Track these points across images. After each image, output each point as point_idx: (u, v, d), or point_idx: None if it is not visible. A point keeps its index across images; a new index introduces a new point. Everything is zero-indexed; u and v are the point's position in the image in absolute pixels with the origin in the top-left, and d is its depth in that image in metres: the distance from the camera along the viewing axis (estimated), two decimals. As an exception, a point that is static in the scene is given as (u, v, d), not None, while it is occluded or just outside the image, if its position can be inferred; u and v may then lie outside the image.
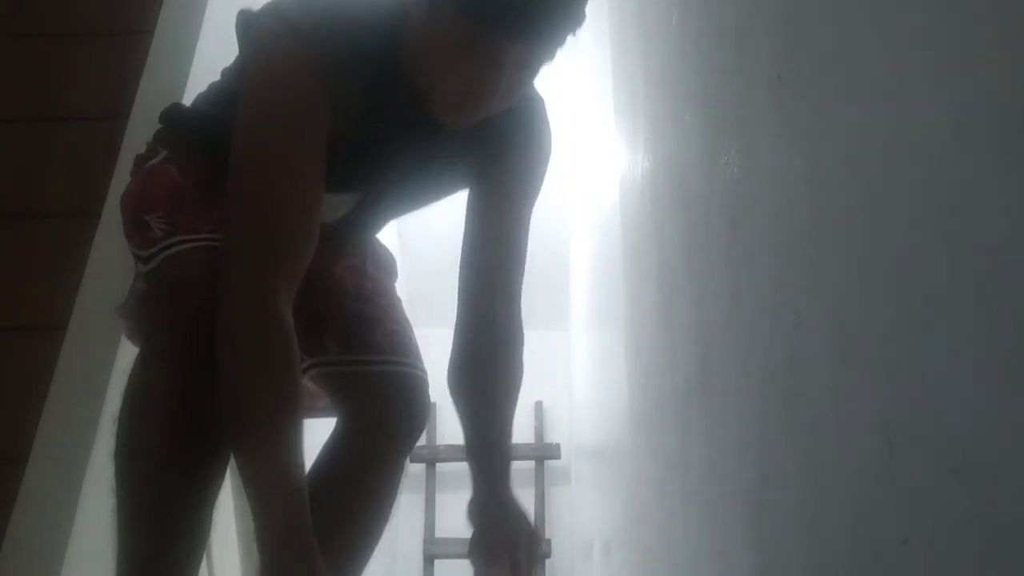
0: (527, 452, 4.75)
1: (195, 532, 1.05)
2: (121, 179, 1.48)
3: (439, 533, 4.56)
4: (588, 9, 1.10)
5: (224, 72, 1.32)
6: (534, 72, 1.13)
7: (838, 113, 0.73)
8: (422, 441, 4.77)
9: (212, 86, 1.32)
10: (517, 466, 4.74)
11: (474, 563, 1.25)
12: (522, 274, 1.39)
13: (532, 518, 1.37)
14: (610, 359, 2.47)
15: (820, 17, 0.79)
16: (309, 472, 1.15)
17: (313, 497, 1.03)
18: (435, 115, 1.12)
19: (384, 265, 1.48)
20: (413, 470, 4.74)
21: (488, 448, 1.39)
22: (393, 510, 1.34)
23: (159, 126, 1.28)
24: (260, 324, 1.01)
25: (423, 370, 1.44)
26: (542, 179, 1.39)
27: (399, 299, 1.47)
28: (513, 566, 1.19)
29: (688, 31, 1.37)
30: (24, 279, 1.41)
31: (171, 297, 1.07)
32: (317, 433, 1.30)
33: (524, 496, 5.24)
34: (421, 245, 4.40)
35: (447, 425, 4.82)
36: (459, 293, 1.36)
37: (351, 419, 1.32)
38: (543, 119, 1.33)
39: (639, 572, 1.85)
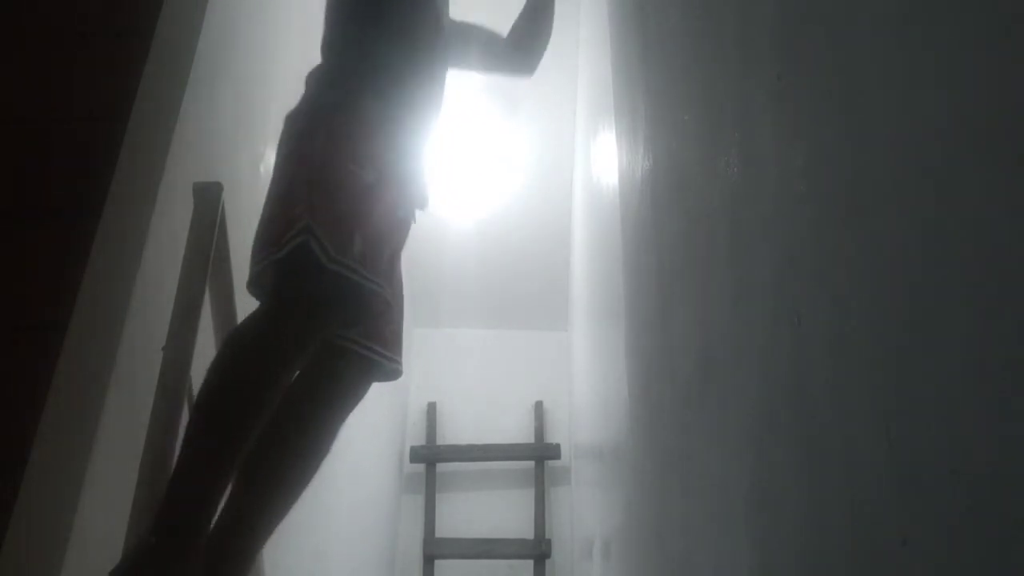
0: (527, 452, 4.75)
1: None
2: (121, 179, 1.48)
3: (439, 533, 4.56)
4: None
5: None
6: None
7: (838, 113, 0.73)
8: (422, 441, 4.78)
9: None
10: (517, 466, 4.75)
11: None
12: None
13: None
14: (610, 359, 2.47)
15: (820, 17, 0.79)
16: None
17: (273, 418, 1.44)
18: None
19: None
20: (413, 470, 4.74)
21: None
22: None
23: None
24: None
25: (401, 363, 1.71)
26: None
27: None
28: None
29: (688, 31, 1.37)
30: (24, 279, 1.41)
31: (336, 309, 1.47)
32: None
33: (524, 496, 5.25)
34: (422, 247, 4.41)
35: (447, 425, 4.83)
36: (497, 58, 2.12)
37: (320, 378, 1.57)
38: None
39: (639, 572, 1.85)
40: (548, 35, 2.16)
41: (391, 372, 1.68)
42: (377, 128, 1.61)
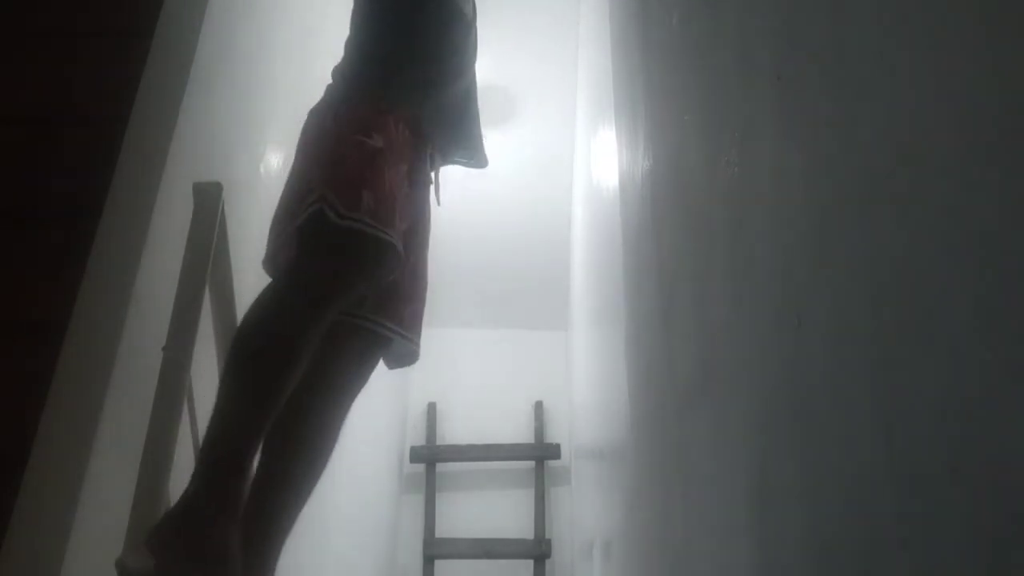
0: (527, 452, 4.75)
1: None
2: (121, 179, 1.48)
3: (439, 533, 4.56)
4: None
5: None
6: None
7: (838, 113, 0.73)
8: (422, 441, 4.78)
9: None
10: (517, 466, 4.75)
11: None
12: None
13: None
14: (610, 359, 2.47)
15: (820, 17, 0.79)
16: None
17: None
18: None
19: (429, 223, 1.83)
20: (413, 470, 4.74)
21: None
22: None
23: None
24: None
25: (418, 345, 1.72)
26: None
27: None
28: None
29: (688, 31, 1.37)
30: (24, 279, 1.41)
31: (353, 263, 1.51)
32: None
33: (524, 496, 5.24)
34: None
35: (447, 425, 4.83)
36: None
37: (343, 361, 1.61)
38: None
39: (639, 572, 1.85)
40: None
41: (407, 354, 1.71)
42: (385, 110, 1.66)
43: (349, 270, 1.54)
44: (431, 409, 4.80)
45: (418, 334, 1.72)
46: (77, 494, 1.20)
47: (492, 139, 4.38)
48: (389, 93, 1.69)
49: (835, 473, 0.71)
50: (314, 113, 1.71)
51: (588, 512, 3.44)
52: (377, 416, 3.82)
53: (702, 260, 1.22)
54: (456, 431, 4.79)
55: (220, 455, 1.35)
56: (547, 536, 4.55)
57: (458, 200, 4.56)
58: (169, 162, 1.54)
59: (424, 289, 1.77)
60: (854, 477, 0.67)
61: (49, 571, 1.15)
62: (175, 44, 1.67)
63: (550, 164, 4.32)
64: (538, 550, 4.49)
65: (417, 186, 1.73)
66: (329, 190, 1.52)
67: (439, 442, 4.79)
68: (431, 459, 4.73)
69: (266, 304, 1.49)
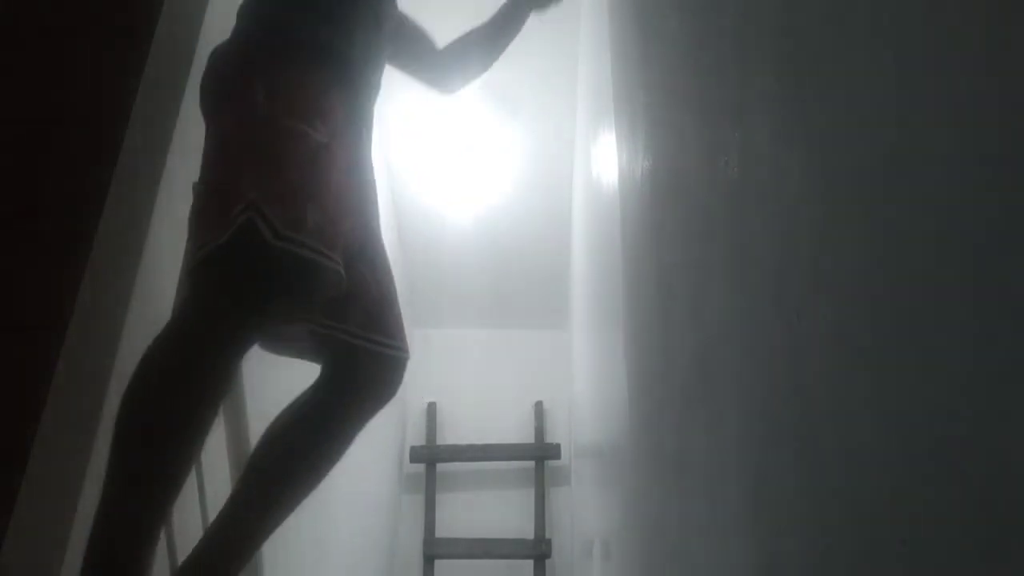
0: (527, 452, 4.75)
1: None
2: (121, 179, 1.48)
3: (439, 533, 4.56)
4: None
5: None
6: None
7: (838, 113, 0.73)
8: (422, 441, 4.78)
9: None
10: (517, 466, 4.75)
11: None
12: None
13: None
14: (610, 359, 2.47)
15: (820, 17, 0.79)
16: (284, 410, 1.44)
17: (281, 431, 1.39)
18: None
19: None
20: (413, 470, 4.74)
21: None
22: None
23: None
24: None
25: (408, 352, 1.58)
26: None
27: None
28: None
29: (688, 31, 1.37)
30: (24, 279, 1.41)
31: (284, 294, 1.26)
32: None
33: (524, 496, 5.24)
34: (421, 245, 4.41)
35: (447, 425, 4.83)
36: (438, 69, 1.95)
37: (341, 382, 1.48)
38: None
39: (639, 572, 1.85)
40: (487, 69, 2.06)
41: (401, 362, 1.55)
42: (329, 80, 1.41)
43: (271, 299, 1.24)
44: (431, 409, 4.80)
45: (404, 337, 1.55)
46: (77, 494, 1.20)
47: (493, 139, 4.39)
48: (324, 56, 1.41)
49: (834, 472, 0.71)
50: (223, 63, 1.41)
51: (588, 512, 3.44)
52: (377, 416, 3.81)
53: (701, 260, 1.22)
54: (456, 431, 4.79)
55: (103, 563, 1.12)
56: (547, 536, 4.55)
57: (458, 200, 4.57)
58: (169, 162, 1.54)
59: (393, 281, 1.56)
60: (853, 476, 0.67)
61: (49, 571, 1.15)
62: (175, 44, 1.67)
63: (550, 164, 4.32)
64: (538, 550, 4.49)
65: (362, 169, 1.49)
66: (265, 200, 1.22)
67: (439, 442, 4.79)
68: (431, 459, 4.73)
69: (161, 342, 1.20)
